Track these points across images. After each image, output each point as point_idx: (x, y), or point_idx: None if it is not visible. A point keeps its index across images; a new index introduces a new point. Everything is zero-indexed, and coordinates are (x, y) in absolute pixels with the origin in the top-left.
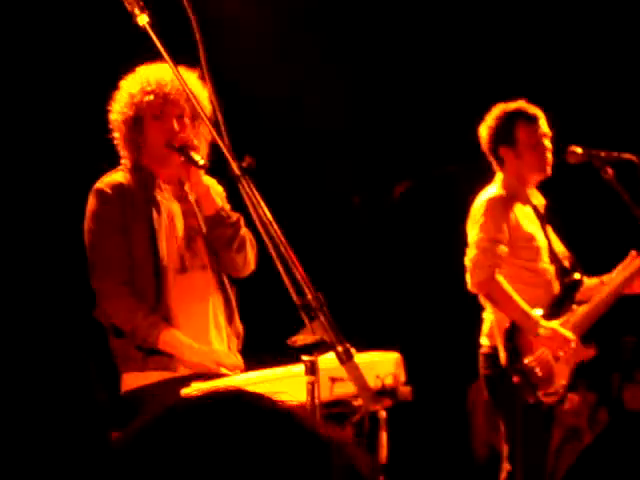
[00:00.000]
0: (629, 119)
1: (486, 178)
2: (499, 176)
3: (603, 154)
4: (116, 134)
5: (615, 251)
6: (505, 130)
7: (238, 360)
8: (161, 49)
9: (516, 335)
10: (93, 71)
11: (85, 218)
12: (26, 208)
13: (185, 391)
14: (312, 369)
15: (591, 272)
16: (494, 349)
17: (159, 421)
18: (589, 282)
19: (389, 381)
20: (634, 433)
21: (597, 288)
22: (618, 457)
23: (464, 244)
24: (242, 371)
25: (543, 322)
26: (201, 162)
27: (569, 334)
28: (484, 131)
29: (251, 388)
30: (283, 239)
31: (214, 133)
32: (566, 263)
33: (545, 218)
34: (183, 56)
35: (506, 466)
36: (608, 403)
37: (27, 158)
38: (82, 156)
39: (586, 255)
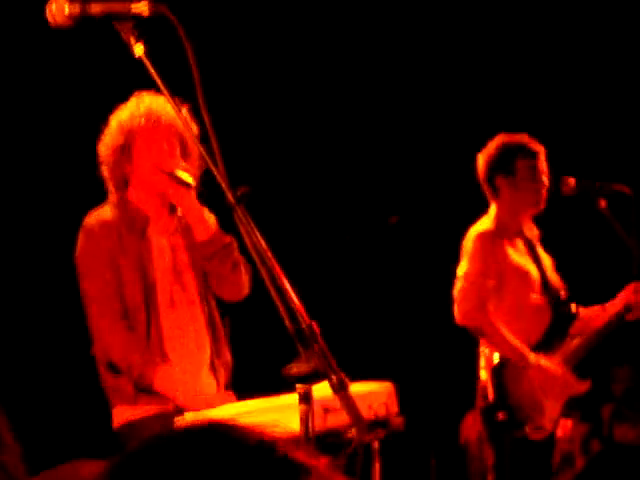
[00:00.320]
0: (622, 150)
1: (478, 211)
2: (492, 208)
3: (596, 185)
4: (104, 167)
5: (607, 281)
6: (505, 160)
7: (230, 400)
8: (156, 78)
9: (503, 371)
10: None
11: (75, 256)
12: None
13: (179, 421)
14: (306, 398)
15: (582, 303)
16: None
17: (132, 457)
18: (587, 312)
19: (382, 411)
20: (624, 464)
21: (596, 316)
22: None
23: (455, 273)
24: None
25: (532, 356)
26: (191, 183)
27: (558, 371)
28: (483, 159)
29: (244, 418)
30: (278, 268)
31: (209, 162)
32: (562, 294)
33: (538, 249)
34: (177, 86)
35: None
36: (600, 435)
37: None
38: (74, 192)
39: (578, 285)
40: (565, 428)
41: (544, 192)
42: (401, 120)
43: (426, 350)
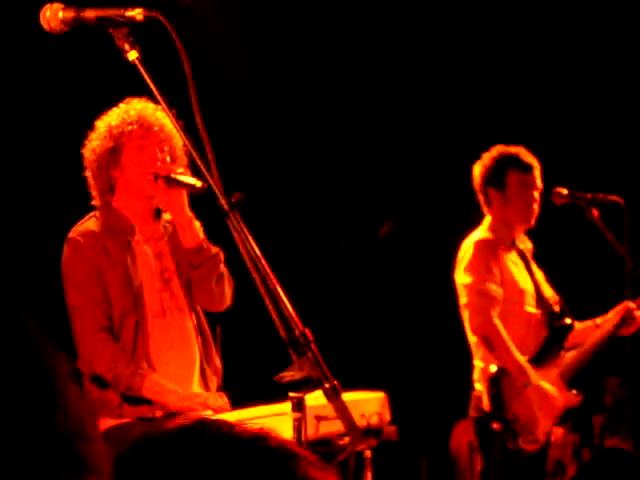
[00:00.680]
0: (615, 161)
1: (472, 218)
2: (487, 219)
3: (589, 195)
4: (88, 172)
5: (600, 292)
6: (497, 173)
7: (224, 402)
8: (150, 84)
9: (501, 382)
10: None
11: (61, 268)
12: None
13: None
14: (299, 406)
15: (575, 313)
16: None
17: (124, 457)
18: (581, 326)
19: (374, 420)
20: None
21: (590, 331)
22: None
23: (449, 283)
24: (229, 411)
25: (534, 376)
26: (198, 184)
27: (554, 392)
28: (478, 169)
29: None
30: (271, 275)
31: (203, 168)
32: (556, 308)
33: (531, 262)
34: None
35: None
36: (591, 444)
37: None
38: (59, 204)
39: (571, 295)
40: (557, 435)
41: (535, 207)
42: (396, 124)
43: (419, 359)
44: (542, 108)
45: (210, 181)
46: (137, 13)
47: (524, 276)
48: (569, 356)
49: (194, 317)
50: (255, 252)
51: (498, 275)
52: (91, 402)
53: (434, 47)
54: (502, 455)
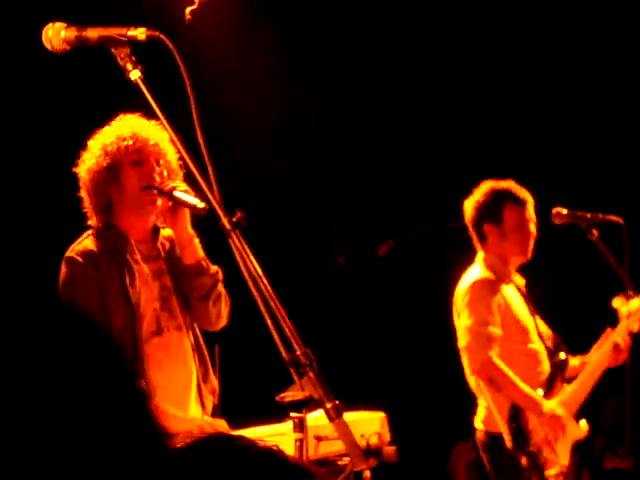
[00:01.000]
0: (614, 181)
1: (467, 242)
2: (480, 255)
3: (589, 215)
4: (84, 192)
5: (600, 311)
6: (492, 208)
7: (223, 426)
8: (153, 103)
9: (520, 416)
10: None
11: (60, 288)
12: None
13: None
14: (300, 426)
15: (577, 335)
16: (490, 436)
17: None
18: (572, 362)
19: (374, 440)
20: None
21: (580, 368)
22: None
23: (448, 303)
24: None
25: (545, 402)
26: (200, 205)
27: (566, 414)
28: (470, 205)
29: None
30: (273, 294)
31: (204, 187)
32: (549, 343)
33: (528, 298)
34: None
35: None
36: (590, 465)
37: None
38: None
39: (570, 315)
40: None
41: (531, 241)
42: (397, 146)
43: (419, 379)
44: (542, 126)
45: (211, 200)
46: (139, 33)
47: (524, 311)
48: (569, 389)
49: (192, 336)
50: (257, 271)
51: (497, 316)
52: None
53: (434, 74)
54: None
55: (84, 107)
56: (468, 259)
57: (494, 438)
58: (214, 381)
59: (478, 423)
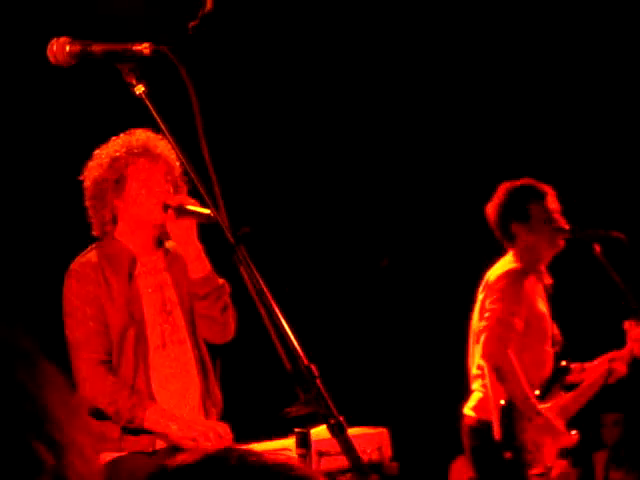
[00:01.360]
0: (616, 197)
1: (473, 254)
2: (510, 255)
3: (591, 231)
4: (89, 203)
5: (602, 326)
6: (517, 206)
7: (226, 432)
8: (157, 118)
9: (513, 413)
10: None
11: (62, 300)
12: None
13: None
14: (304, 441)
15: (577, 347)
16: (481, 422)
17: None
18: (574, 368)
19: (375, 456)
20: None
21: (580, 375)
22: None
23: (449, 320)
24: (230, 442)
25: (540, 410)
26: (207, 212)
27: (558, 423)
28: (493, 208)
29: None
30: (277, 309)
31: (209, 201)
32: (557, 348)
33: (551, 299)
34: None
35: None
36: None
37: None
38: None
39: (572, 330)
40: (561, 466)
41: (562, 228)
42: (400, 159)
43: (419, 395)
44: (543, 146)
45: (216, 214)
46: (144, 47)
47: (546, 312)
48: (567, 397)
49: (195, 349)
50: (261, 286)
51: (523, 310)
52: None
53: (442, 85)
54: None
55: (88, 116)
56: (469, 277)
57: (484, 425)
58: (218, 394)
59: (468, 410)
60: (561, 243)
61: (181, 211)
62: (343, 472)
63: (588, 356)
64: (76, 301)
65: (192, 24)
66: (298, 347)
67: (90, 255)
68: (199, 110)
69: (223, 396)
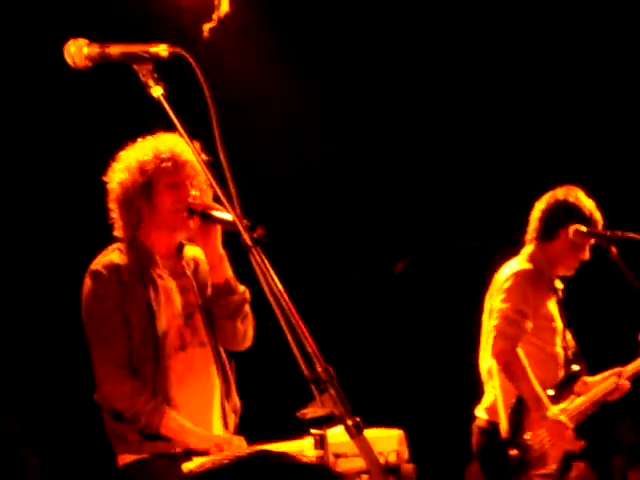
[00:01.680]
0: (633, 199)
1: (487, 256)
2: (527, 249)
3: (608, 233)
4: (114, 205)
5: (618, 328)
6: (581, 213)
7: (242, 446)
8: (174, 119)
9: (522, 411)
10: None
11: (82, 300)
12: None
13: (187, 465)
14: (321, 443)
15: (594, 350)
16: (491, 424)
17: None
18: (588, 379)
19: (392, 458)
20: None
21: (583, 388)
22: None
23: (465, 321)
24: None
25: (552, 407)
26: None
27: (569, 424)
28: (554, 200)
29: None
30: (294, 311)
31: (226, 203)
32: (569, 352)
33: (562, 302)
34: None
35: None
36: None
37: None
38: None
39: (589, 333)
40: (579, 468)
41: (580, 263)
42: (417, 161)
43: (435, 398)
44: (561, 149)
45: (233, 216)
46: (162, 49)
47: (556, 313)
48: (578, 401)
49: (215, 353)
50: (278, 288)
51: (531, 310)
52: None
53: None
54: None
55: (105, 117)
56: (484, 277)
57: (493, 426)
58: (236, 399)
59: (480, 411)
60: (573, 273)
61: (206, 217)
62: (360, 474)
63: (604, 363)
64: (96, 302)
65: (207, 26)
66: (315, 348)
67: (112, 255)
68: (215, 112)
69: (239, 396)
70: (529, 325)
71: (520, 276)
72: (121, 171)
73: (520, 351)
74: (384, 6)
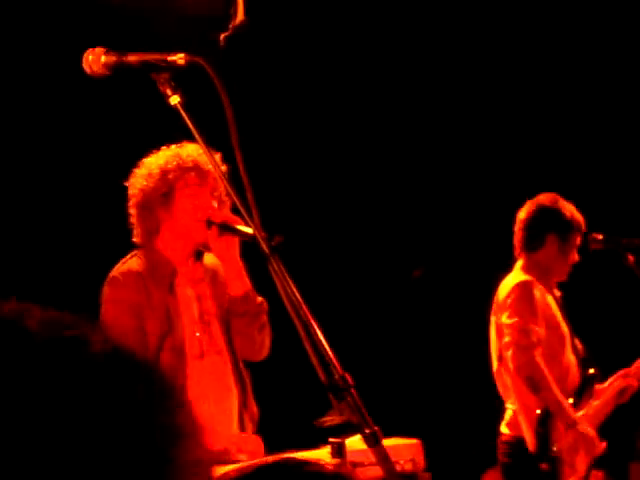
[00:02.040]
0: None
1: (502, 263)
2: (520, 263)
3: (624, 241)
4: (133, 210)
5: (635, 336)
6: (564, 223)
7: (259, 444)
8: (192, 128)
9: (549, 421)
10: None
11: (101, 307)
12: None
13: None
14: (339, 451)
15: (608, 357)
16: (515, 438)
17: None
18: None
19: (408, 467)
20: None
21: (600, 390)
22: None
23: (482, 329)
24: (263, 454)
25: (576, 417)
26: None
27: (592, 432)
28: (535, 207)
29: None
30: (312, 319)
31: (244, 212)
32: (580, 357)
33: (564, 309)
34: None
35: None
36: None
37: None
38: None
39: (604, 341)
40: (597, 477)
41: (571, 267)
42: (432, 169)
43: (452, 406)
44: (577, 156)
45: (251, 225)
46: (179, 58)
47: (561, 321)
48: (594, 405)
49: (232, 361)
50: (296, 296)
51: (540, 318)
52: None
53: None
54: None
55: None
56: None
57: (518, 440)
58: (254, 407)
59: (504, 427)
60: (565, 278)
61: (224, 228)
62: None
63: (614, 368)
64: (115, 309)
65: (224, 35)
66: (332, 356)
67: (131, 262)
68: (233, 121)
69: (257, 404)
70: (542, 332)
71: (521, 288)
72: (143, 177)
73: (540, 360)
74: (384, 6)
